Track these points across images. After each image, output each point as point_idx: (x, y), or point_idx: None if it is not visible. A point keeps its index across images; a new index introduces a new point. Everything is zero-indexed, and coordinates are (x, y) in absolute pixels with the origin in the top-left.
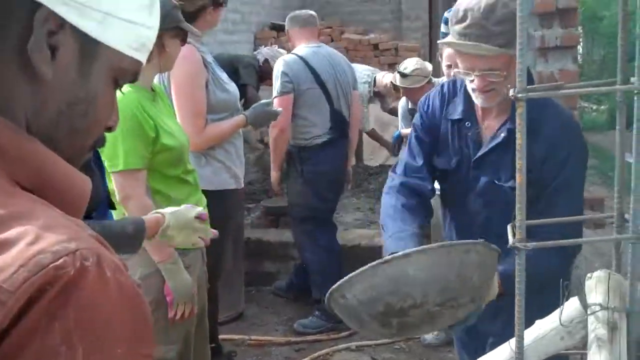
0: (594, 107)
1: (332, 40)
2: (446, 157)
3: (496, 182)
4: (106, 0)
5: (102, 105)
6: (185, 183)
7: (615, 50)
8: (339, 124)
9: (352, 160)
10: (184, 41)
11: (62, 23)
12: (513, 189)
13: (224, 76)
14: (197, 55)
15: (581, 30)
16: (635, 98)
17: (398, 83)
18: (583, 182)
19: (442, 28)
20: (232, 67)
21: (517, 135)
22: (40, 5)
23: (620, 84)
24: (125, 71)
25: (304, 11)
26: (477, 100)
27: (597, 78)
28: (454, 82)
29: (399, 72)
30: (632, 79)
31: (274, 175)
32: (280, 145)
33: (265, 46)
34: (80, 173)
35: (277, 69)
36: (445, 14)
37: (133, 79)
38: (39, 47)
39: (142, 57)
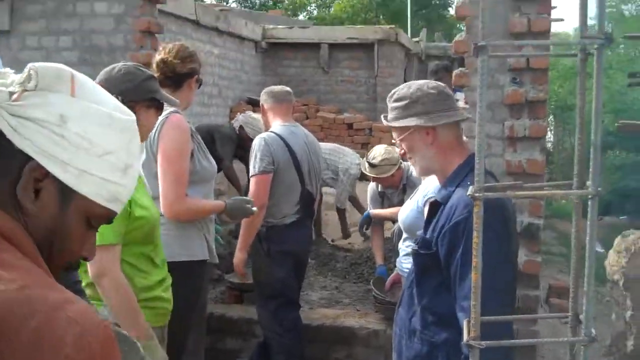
0: None
1: (307, 118)
2: None
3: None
4: (83, 161)
5: (74, 238)
6: (152, 263)
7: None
8: (308, 204)
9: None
10: (159, 111)
11: (46, 173)
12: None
13: (203, 146)
14: (186, 125)
15: (552, 119)
16: (590, 202)
17: (367, 172)
18: (496, 258)
19: None
20: (210, 136)
21: (474, 234)
22: (31, 158)
23: (576, 187)
24: (99, 216)
25: (279, 87)
26: None
27: (567, 165)
28: None
29: (367, 161)
30: (587, 183)
31: (240, 256)
32: (255, 224)
33: (240, 114)
34: None
35: (258, 146)
36: None
37: (108, 222)
38: (24, 190)
39: (116, 208)
